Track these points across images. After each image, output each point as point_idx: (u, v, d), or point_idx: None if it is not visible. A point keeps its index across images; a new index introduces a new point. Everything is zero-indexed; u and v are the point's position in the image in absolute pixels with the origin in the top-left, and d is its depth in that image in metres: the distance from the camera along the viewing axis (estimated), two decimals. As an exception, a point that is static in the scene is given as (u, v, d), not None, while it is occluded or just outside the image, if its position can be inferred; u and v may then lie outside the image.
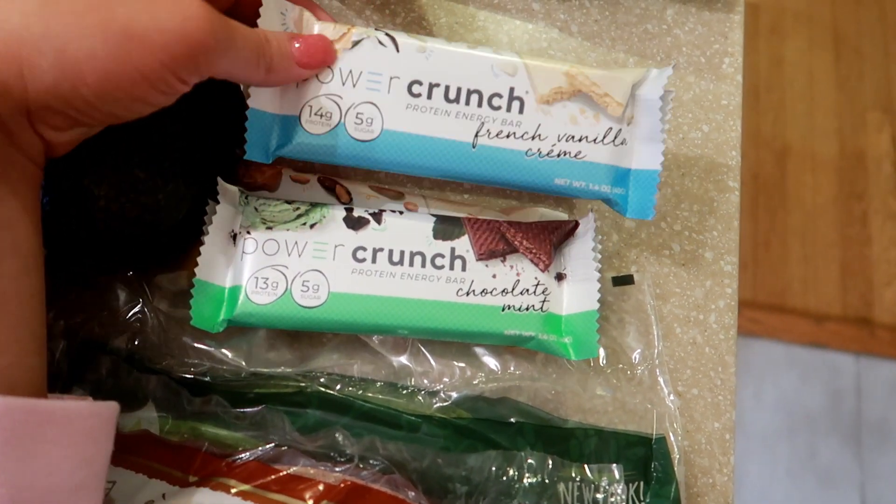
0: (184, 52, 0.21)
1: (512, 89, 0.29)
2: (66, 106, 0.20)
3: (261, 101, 0.27)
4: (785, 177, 1.27)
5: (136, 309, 0.31)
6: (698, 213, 0.37)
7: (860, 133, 1.30)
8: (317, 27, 0.28)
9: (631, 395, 0.33)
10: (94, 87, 0.20)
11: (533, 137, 0.29)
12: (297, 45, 0.26)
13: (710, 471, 0.33)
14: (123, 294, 0.31)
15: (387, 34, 0.28)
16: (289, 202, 0.30)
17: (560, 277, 0.31)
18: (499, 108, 0.29)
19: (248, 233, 0.29)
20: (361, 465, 0.29)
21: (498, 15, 0.39)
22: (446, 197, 0.36)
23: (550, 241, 0.31)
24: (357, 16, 0.38)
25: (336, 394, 0.31)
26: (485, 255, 0.30)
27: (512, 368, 0.32)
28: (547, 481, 0.30)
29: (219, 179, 0.29)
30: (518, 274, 0.30)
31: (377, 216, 0.30)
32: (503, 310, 0.30)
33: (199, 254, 0.28)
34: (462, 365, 0.32)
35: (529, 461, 0.30)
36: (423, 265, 0.29)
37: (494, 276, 0.30)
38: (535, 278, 0.30)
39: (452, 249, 0.30)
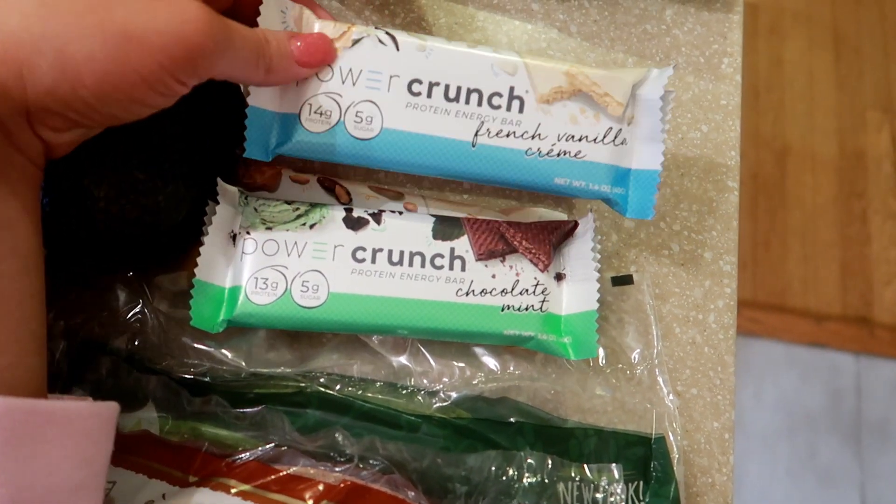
0: (182, 54, 0.21)
1: (512, 88, 0.29)
2: (65, 107, 0.20)
3: (260, 99, 0.27)
4: (785, 176, 1.27)
5: (136, 309, 0.31)
6: (697, 213, 0.37)
7: (860, 133, 1.30)
8: (317, 25, 0.28)
9: (630, 394, 0.33)
10: (92, 88, 0.20)
11: (533, 137, 0.29)
12: (297, 44, 0.26)
13: (709, 470, 0.33)
14: (123, 294, 0.31)
15: (387, 33, 0.28)
16: (288, 202, 0.30)
17: (559, 277, 0.31)
18: (499, 107, 0.29)
19: (248, 233, 0.29)
20: (361, 465, 0.29)
21: (497, 15, 0.39)
22: (446, 197, 0.36)
23: (550, 241, 0.31)
24: (356, 16, 0.38)
25: (336, 394, 0.31)
26: (484, 255, 0.30)
27: (511, 368, 0.33)
28: (546, 481, 0.30)
29: (218, 180, 0.29)
30: (517, 274, 0.30)
31: (377, 216, 0.30)
32: (502, 310, 0.30)
33: (199, 254, 0.28)
34: (461, 365, 0.32)
35: (529, 461, 0.30)
36: (423, 265, 0.29)
37: (494, 277, 0.30)
38: (535, 278, 0.30)
39: (452, 250, 0.30)
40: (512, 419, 0.31)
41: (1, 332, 0.20)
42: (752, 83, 1.32)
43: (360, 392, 0.31)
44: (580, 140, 0.29)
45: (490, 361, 0.33)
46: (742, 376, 1.15)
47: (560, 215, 0.34)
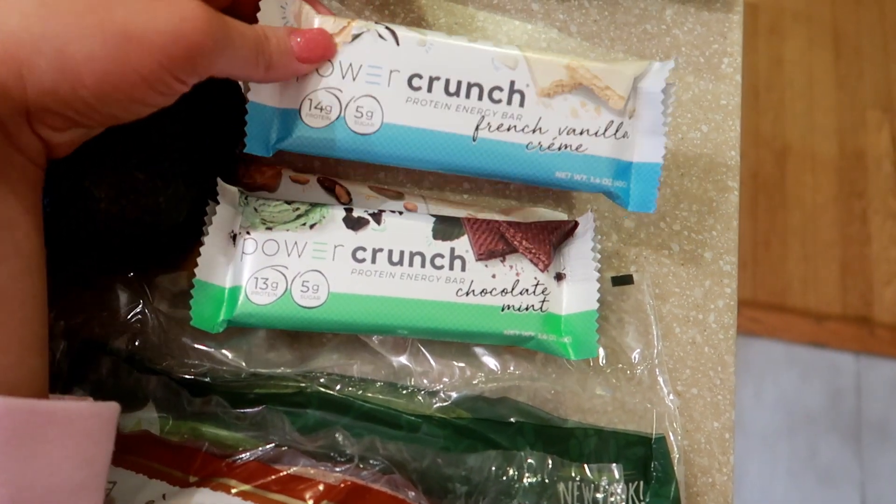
0: (181, 53, 0.21)
1: (513, 82, 0.28)
2: (65, 107, 0.20)
3: (261, 95, 0.27)
4: (785, 176, 1.27)
5: (137, 309, 0.31)
6: (697, 213, 0.37)
7: (860, 132, 1.30)
8: (317, 21, 0.28)
9: (630, 394, 0.33)
10: (92, 88, 0.20)
11: (534, 130, 0.29)
12: (297, 40, 0.26)
13: (709, 470, 0.33)
14: (124, 294, 0.31)
15: (387, 27, 0.28)
16: (288, 202, 0.30)
17: (559, 277, 0.31)
18: (499, 101, 0.28)
19: (248, 233, 0.29)
20: (361, 466, 0.29)
21: (497, 15, 0.39)
22: (446, 197, 0.36)
23: (550, 241, 0.31)
24: (356, 16, 0.38)
25: (336, 394, 0.31)
26: (484, 255, 0.30)
27: (511, 368, 0.33)
28: (547, 481, 0.30)
29: (218, 180, 0.29)
30: (517, 274, 0.30)
31: (377, 216, 0.30)
32: (503, 310, 0.30)
33: (199, 254, 0.28)
34: (462, 365, 0.32)
35: (529, 461, 0.30)
36: (423, 265, 0.29)
37: (494, 277, 0.30)
38: (535, 278, 0.30)
39: (452, 249, 0.30)
40: (512, 419, 0.31)
41: (3, 333, 0.20)
42: (752, 83, 1.32)
43: (360, 392, 0.31)
44: (581, 133, 0.29)
45: (490, 361, 0.33)
46: (742, 376, 1.15)
47: (560, 215, 0.34)
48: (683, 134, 0.38)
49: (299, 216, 0.29)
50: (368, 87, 0.28)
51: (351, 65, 0.28)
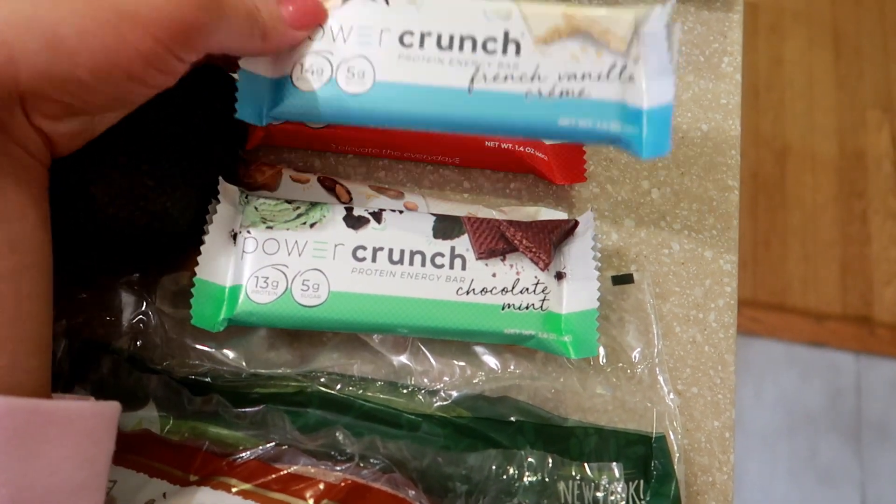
0: (177, 27, 0.20)
1: (507, 32, 0.27)
2: (60, 91, 0.20)
3: (251, 63, 0.27)
4: (785, 176, 1.27)
5: (138, 309, 0.31)
6: (698, 213, 0.37)
7: (860, 132, 1.30)
8: None
9: (631, 393, 0.33)
10: (88, 66, 0.20)
11: (532, 79, 0.27)
12: (288, 8, 0.26)
13: (709, 469, 0.33)
14: (125, 294, 0.31)
15: None
16: (289, 201, 0.30)
17: (560, 276, 0.31)
18: (494, 51, 0.27)
19: (249, 232, 0.29)
20: (362, 464, 0.29)
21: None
22: (446, 196, 0.36)
23: (550, 239, 0.31)
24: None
25: (336, 393, 0.31)
26: (484, 254, 0.30)
27: (512, 367, 0.33)
28: (547, 480, 0.30)
29: (219, 179, 0.29)
30: (518, 273, 0.30)
31: (377, 215, 0.30)
32: (503, 308, 0.30)
33: (200, 253, 0.28)
34: (462, 364, 0.32)
35: (529, 460, 0.30)
36: (423, 264, 0.29)
37: (494, 275, 0.30)
38: (535, 277, 0.30)
39: (452, 248, 0.30)
40: (512, 418, 0.31)
41: (1, 333, 0.20)
42: (752, 82, 1.32)
43: (360, 391, 0.31)
44: (583, 78, 0.27)
45: (490, 360, 0.33)
46: (742, 375, 1.15)
47: (560, 214, 0.34)
48: (684, 133, 0.38)
49: (300, 215, 0.29)
50: (359, 48, 0.27)
51: (342, 27, 0.27)
